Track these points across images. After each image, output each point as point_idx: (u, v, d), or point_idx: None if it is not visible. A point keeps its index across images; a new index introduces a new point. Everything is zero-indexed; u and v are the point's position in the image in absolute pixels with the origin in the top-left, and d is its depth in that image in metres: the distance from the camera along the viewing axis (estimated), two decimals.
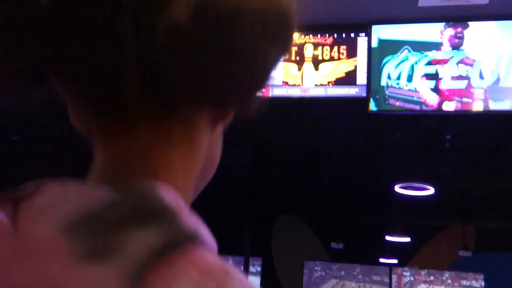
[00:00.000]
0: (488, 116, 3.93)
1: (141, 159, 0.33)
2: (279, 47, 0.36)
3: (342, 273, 10.69)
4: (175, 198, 0.30)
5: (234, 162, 5.85)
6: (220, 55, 0.33)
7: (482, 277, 10.09)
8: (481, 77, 3.56)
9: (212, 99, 0.35)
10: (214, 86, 0.34)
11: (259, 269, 10.64)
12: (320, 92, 3.79)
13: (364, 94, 3.64)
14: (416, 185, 5.57)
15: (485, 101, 3.43)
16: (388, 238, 8.79)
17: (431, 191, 5.65)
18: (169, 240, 0.28)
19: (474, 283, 10.16)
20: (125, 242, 0.27)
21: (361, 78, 3.66)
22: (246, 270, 9.05)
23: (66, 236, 0.27)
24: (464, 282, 10.22)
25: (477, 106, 3.55)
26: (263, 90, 0.38)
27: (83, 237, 0.27)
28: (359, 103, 3.71)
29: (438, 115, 3.93)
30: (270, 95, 3.96)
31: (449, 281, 10.28)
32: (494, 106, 3.49)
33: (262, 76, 0.36)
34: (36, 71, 0.33)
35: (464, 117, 4.12)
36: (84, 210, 0.28)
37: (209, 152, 0.38)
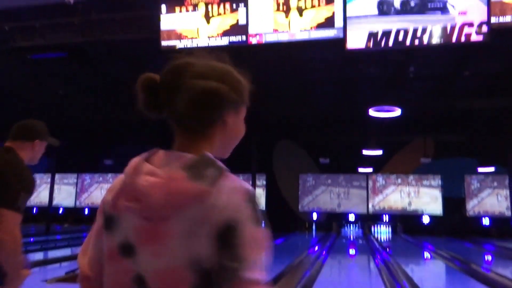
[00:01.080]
0: (443, 49, 3.75)
1: (194, 144, 0.66)
2: (234, 109, 0.68)
3: (329, 181, 10.87)
4: (212, 156, 0.63)
5: None
6: (200, 116, 0.65)
7: (439, 177, 10.24)
8: (441, 13, 3.35)
9: (197, 127, 0.67)
10: (200, 125, 0.67)
11: (264, 182, 10.83)
12: (304, 36, 3.63)
13: (341, 35, 3.50)
14: (386, 108, 5.46)
15: (441, 36, 3.27)
16: (364, 152, 8.84)
17: (398, 112, 5.56)
18: (220, 170, 0.62)
19: (433, 183, 10.33)
20: (206, 173, 0.60)
21: (339, 21, 3.49)
22: (254, 184, 9.21)
23: (183, 171, 0.60)
24: (425, 182, 10.39)
25: (435, 41, 3.37)
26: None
27: (190, 171, 0.60)
28: (337, 43, 3.57)
29: (403, 49, 3.75)
30: (264, 41, 3.79)
31: (413, 182, 10.45)
32: (446, 40, 3.31)
33: (222, 117, 0.67)
34: (158, 111, 0.67)
35: (424, 50, 3.94)
36: (187, 162, 0.62)
37: (228, 134, 0.69)
